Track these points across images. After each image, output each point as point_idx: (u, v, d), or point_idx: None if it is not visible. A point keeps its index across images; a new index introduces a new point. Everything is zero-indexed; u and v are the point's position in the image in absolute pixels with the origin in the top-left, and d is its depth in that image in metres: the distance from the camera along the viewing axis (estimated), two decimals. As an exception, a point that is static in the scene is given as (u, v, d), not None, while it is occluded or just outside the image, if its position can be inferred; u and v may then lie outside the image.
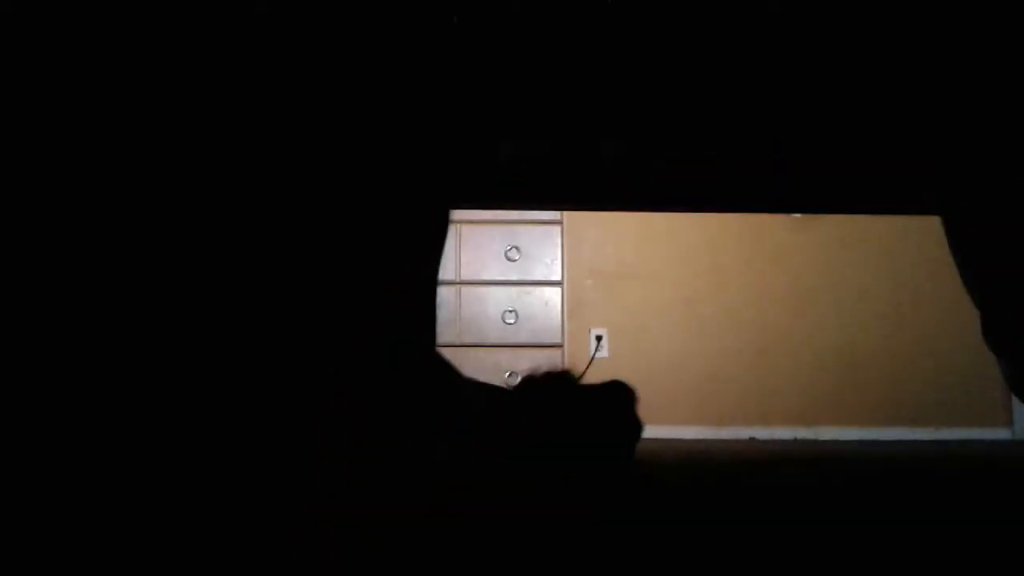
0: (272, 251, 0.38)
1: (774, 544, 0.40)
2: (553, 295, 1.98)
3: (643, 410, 0.61)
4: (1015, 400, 1.86)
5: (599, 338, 2.00)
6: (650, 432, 0.61)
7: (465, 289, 1.99)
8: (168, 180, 0.37)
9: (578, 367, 1.84)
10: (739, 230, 1.95)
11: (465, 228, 1.97)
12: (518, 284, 1.99)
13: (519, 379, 0.52)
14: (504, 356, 1.93)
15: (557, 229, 1.99)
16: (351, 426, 0.38)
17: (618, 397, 0.51)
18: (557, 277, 1.99)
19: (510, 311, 1.97)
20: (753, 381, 1.94)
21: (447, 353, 0.44)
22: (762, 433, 1.90)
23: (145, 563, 0.37)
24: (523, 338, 1.96)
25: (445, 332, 1.96)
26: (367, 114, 0.36)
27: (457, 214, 1.94)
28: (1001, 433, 1.86)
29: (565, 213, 2.01)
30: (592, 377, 0.61)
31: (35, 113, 0.36)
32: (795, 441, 1.83)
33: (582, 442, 0.44)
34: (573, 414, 0.45)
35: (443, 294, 1.92)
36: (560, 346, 1.97)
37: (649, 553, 0.39)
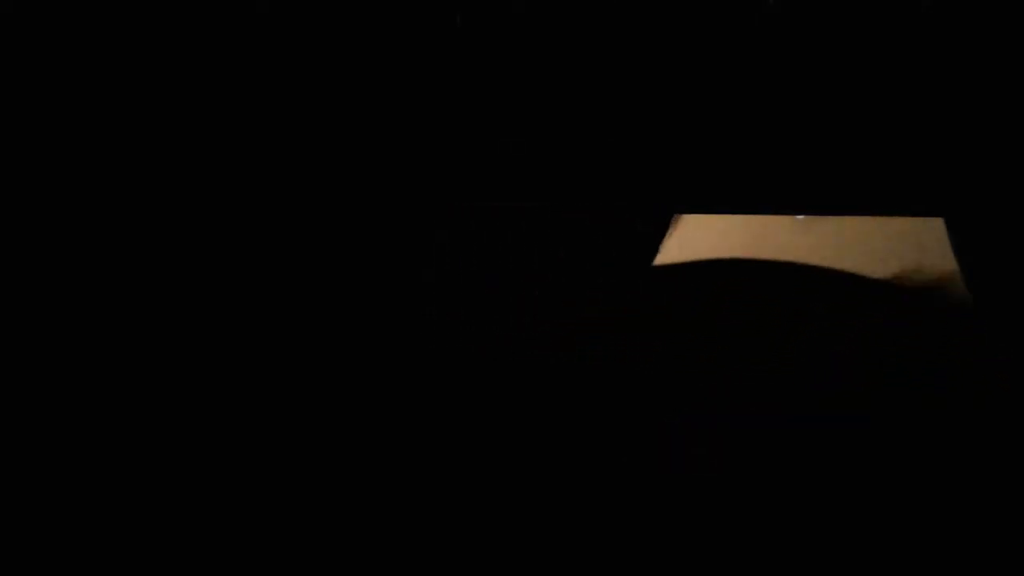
0: (268, 250, 0.38)
1: (773, 532, 0.40)
2: (556, 296, 1.98)
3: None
4: (1019, 402, 1.85)
5: (602, 339, 1.99)
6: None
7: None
8: (166, 180, 0.37)
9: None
10: (741, 232, 1.93)
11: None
12: (521, 285, 1.98)
13: None
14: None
15: (560, 230, 1.99)
16: (349, 424, 0.38)
17: None
18: (560, 278, 1.99)
19: (513, 312, 1.97)
20: (756, 383, 1.93)
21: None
22: (765, 435, 1.89)
23: (145, 563, 0.37)
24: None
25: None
26: (367, 114, 0.36)
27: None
28: (1004, 435, 1.85)
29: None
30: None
31: (35, 113, 0.36)
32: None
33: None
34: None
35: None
36: (563, 347, 1.96)
37: (651, 544, 0.39)
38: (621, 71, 0.36)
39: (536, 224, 0.40)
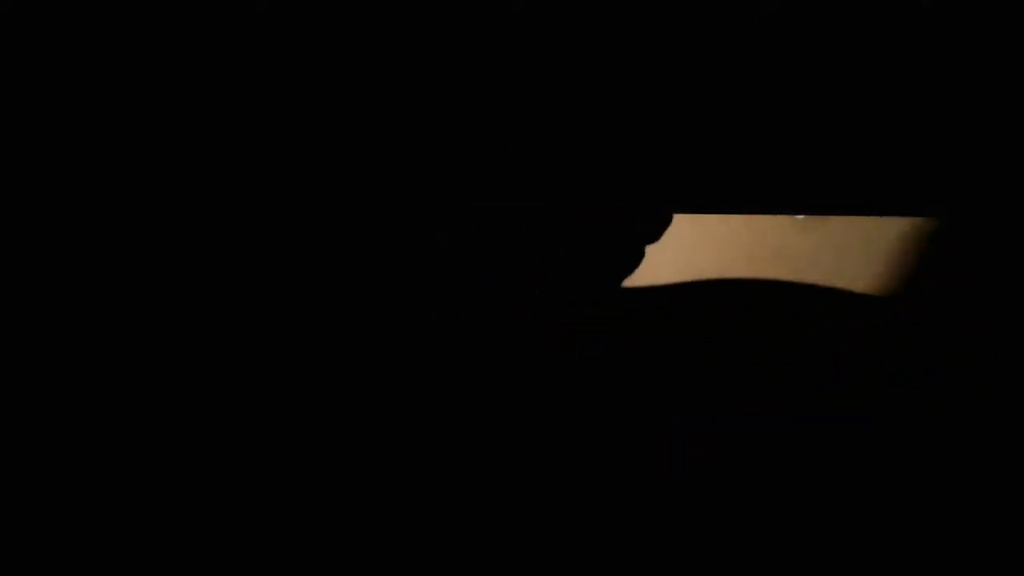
0: (267, 250, 0.38)
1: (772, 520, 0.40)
2: (556, 296, 1.97)
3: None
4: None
5: (602, 339, 1.99)
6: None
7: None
8: (166, 180, 0.37)
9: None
10: (742, 231, 1.93)
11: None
12: (521, 285, 1.98)
13: None
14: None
15: (560, 230, 1.98)
16: (348, 423, 0.38)
17: None
18: (560, 278, 1.98)
19: (513, 312, 1.96)
20: (756, 383, 1.93)
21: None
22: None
23: (145, 563, 0.37)
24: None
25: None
26: (367, 114, 0.36)
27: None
28: (1005, 435, 1.85)
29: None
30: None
31: (35, 113, 0.36)
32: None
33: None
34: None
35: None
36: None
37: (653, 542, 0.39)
38: (621, 71, 0.36)
39: (536, 224, 0.40)
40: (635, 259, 0.43)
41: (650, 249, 0.45)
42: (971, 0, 0.35)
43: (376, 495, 0.38)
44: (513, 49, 0.36)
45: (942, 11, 0.35)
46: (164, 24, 0.36)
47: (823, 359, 0.44)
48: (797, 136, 0.36)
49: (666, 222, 0.42)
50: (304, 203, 0.37)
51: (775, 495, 0.42)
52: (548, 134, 0.36)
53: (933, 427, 0.43)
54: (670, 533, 0.40)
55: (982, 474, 0.42)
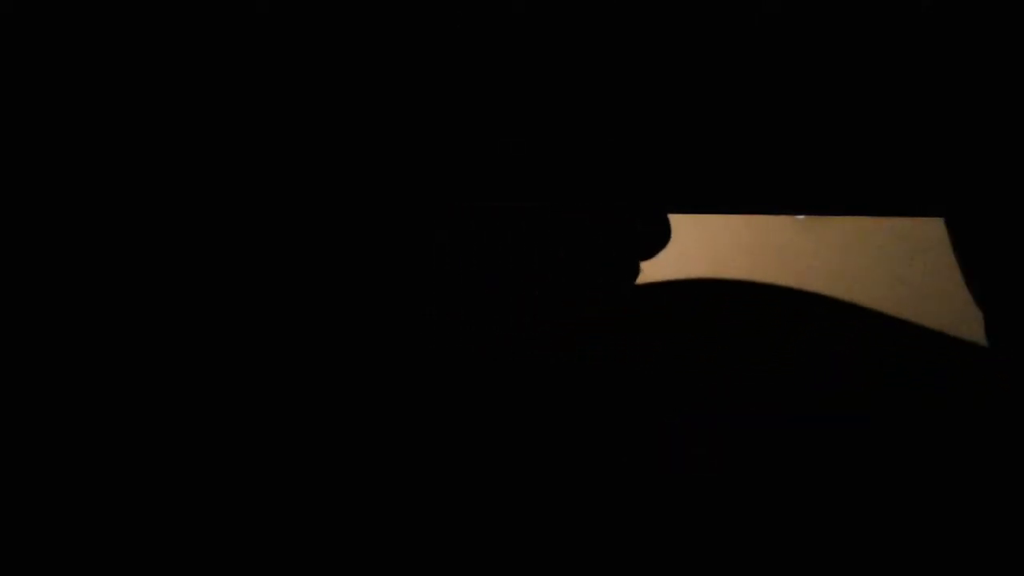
0: (267, 250, 0.38)
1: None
2: (556, 296, 1.97)
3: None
4: (1019, 403, 1.85)
5: (602, 340, 1.99)
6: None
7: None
8: (166, 180, 0.37)
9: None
10: (742, 231, 1.93)
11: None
12: (521, 285, 1.98)
13: None
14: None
15: (560, 230, 1.98)
16: (349, 424, 0.38)
17: None
18: (560, 278, 1.98)
19: (513, 312, 1.96)
20: (756, 383, 1.92)
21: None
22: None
23: (145, 563, 0.37)
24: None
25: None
26: (367, 114, 0.36)
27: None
28: (1005, 436, 1.84)
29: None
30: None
31: (35, 113, 0.36)
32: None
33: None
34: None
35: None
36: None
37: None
38: (621, 71, 0.36)
39: (536, 224, 0.40)
40: (636, 260, 0.43)
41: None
42: (971, 0, 0.35)
43: (376, 495, 0.38)
44: (513, 49, 0.36)
45: (942, 11, 0.35)
46: (164, 24, 0.36)
47: (823, 359, 0.45)
48: (797, 136, 0.36)
49: (664, 238, 0.42)
50: (303, 203, 0.37)
51: (775, 495, 0.42)
52: (548, 134, 0.36)
53: (933, 427, 0.43)
54: (670, 533, 0.40)
55: (982, 474, 0.42)
